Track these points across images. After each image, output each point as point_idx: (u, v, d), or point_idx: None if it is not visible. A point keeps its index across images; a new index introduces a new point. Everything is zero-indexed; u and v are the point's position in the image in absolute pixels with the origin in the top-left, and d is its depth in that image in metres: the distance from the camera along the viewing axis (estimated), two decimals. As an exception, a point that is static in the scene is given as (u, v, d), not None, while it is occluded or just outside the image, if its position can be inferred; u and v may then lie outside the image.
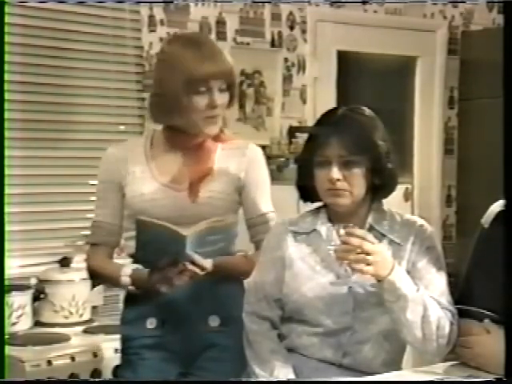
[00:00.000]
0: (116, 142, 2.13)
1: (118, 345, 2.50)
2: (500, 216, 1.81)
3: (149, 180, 1.96)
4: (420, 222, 1.86)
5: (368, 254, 1.64)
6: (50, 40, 3.07)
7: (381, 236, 1.79)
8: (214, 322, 1.92)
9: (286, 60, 3.68)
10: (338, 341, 1.76)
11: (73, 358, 2.45)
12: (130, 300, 2.01)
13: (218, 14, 3.46)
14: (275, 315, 1.84)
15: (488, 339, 1.69)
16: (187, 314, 1.91)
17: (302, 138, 3.38)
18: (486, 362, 1.67)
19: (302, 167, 1.87)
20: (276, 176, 3.36)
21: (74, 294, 2.79)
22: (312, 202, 1.88)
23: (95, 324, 2.81)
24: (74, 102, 3.14)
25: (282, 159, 3.36)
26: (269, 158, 3.45)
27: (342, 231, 1.66)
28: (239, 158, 2.00)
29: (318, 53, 3.77)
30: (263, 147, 3.50)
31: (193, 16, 3.39)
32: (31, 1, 2.99)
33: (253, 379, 1.75)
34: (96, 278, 2.12)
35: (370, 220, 1.82)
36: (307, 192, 1.86)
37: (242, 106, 3.53)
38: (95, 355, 2.49)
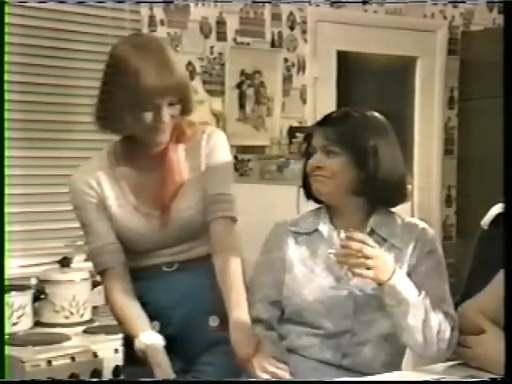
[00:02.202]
0: (108, 141, 2.01)
1: (118, 345, 2.50)
2: (499, 218, 1.81)
3: (129, 210, 1.85)
4: (422, 225, 1.85)
5: (368, 258, 1.63)
6: (50, 40, 3.07)
7: (382, 240, 1.78)
8: (214, 322, 1.92)
9: (286, 60, 3.67)
10: (338, 342, 1.75)
11: (73, 358, 2.45)
12: None
13: (218, 14, 3.45)
14: (271, 317, 1.83)
15: (488, 339, 1.69)
16: (188, 315, 1.90)
17: (302, 138, 3.39)
18: (486, 362, 1.67)
19: (304, 166, 1.88)
20: (276, 176, 3.37)
21: (75, 294, 2.79)
22: (315, 200, 1.88)
23: (96, 324, 2.81)
24: (74, 103, 3.13)
25: (282, 159, 3.36)
26: (269, 158, 3.51)
27: (342, 235, 1.65)
28: (198, 151, 1.87)
29: (318, 53, 3.76)
30: (263, 147, 3.59)
31: (193, 16, 3.39)
32: (31, 1, 2.99)
33: (252, 379, 1.74)
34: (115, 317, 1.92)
35: (371, 223, 1.81)
36: (309, 189, 1.86)
37: (242, 106, 3.53)
38: (95, 355, 2.49)
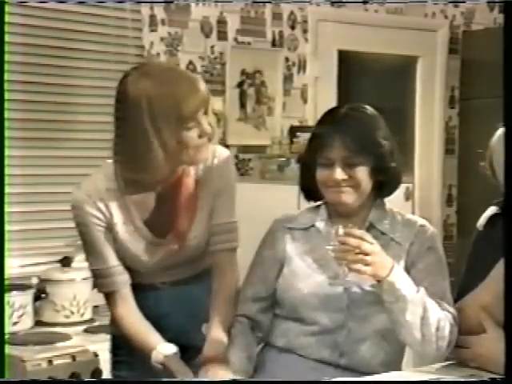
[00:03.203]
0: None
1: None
2: (494, 219, 1.82)
3: (136, 237, 1.82)
4: (421, 222, 1.84)
5: (366, 254, 1.63)
6: (50, 39, 3.07)
7: (381, 235, 1.78)
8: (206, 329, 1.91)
9: (286, 59, 3.67)
10: (335, 340, 1.75)
11: (74, 358, 2.45)
12: None
13: (218, 13, 3.46)
14: (255, 311, 1.83)
15: (488, 338, 1.69)
16: (182, 324, 1.90)
17: (302, 137, 3.37)
18: (485, 362, 1.67)
19: (304, 167, 1.86)
20: (277, 176, 3.37)
21: (75, 293, 2.79)
22: (315, 201, 1.88)
23: (96, 323, 2.81)
24: (74, 102, 3.14)
25: (283, 159, 3.36)
26: (270, 157, 3.51)
27: (340, 231, 1.64)
28: (209, 175, 1.84)
29: (318, 52, 3.76)
30: (264, 147, 3.59)
31: (194, 16, 3.39)
32: (32, 1, 2.99)
33: (252, 379, 1.74)
34: (126, 338, 1.89)
35: (370, 218, 1.81)
36: (310, 191, 1.85)
37: (242, 106, 3.53)
38: (96, 355, 2.49)
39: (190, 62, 3.38)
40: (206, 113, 1.77)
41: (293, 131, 3.46)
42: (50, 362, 2.39)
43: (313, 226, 1.83)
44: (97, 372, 2.47)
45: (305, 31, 3.72)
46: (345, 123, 1.77)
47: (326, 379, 1.66)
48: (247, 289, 1.87)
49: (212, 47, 3.44)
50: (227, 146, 3.46)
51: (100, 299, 2.95)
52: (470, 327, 1.71)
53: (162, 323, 1.86)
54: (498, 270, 1.69)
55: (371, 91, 3.93)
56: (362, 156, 1.75)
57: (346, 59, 3.89)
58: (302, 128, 3.48)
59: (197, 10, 3.39)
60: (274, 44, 3.63)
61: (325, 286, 1.75)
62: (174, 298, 1.90)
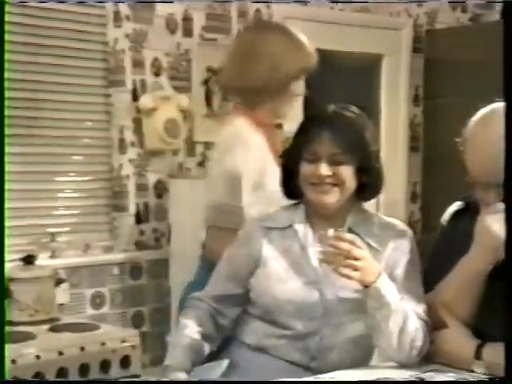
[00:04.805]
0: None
1: (83, 343, 2.47)
2: (457, 215, 1.82)
3: None
4: (400, 226, 1.84)
5: (356, 259, 1.62)
6: (16, 35, 3.02)
7: (359, 239, 1.75)
8: None
9: (252, 57, 3.67)
10: (306, 345, 1.74)
11: (38, 357, 2.42)
12: None
13: (184, 10, 3.43)
14: (220, 308, 1.82)
15: (449, 334, 1.69)
16: None
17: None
18: (449, 357, 1.68)
19: (287, 163, 1.83)
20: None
21: (40, 291, 2.75)
22: (295, 199, 1.85)
23: (61, 322, 2.78)
24: (40, 98, 3.10)
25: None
26: None
27: (330, 233, 1.62)
28: None
29: (284, 50, 3.76)
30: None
31: (159, 12, 3.36)
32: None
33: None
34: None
35: (348, 221, 1.79)
36: (291, 189, 1.83)
37: (209, 103, 3.50)
38: (61, 353, 2.46)
39: (156, 59, 3.35)
40: None
41: (259, 128, 3.47)
42: (13, 361, 2.36)
43: (290, 226, 1.80)
44: (62, 371, 2.44)
45: (271, 28, 3.71)
46: (334, 120, 1.76)
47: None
48: (215, 284, 1.85)
49: (178, 44, 3.41)
50: (194, 143, 3.49)
51: (65, 297, 2.95)
52: (433, 323, 1.71)
53: None
54: (460, 265, 1.70)
55: (337, 89, 3.94)
56: (348, 154, 1.73)
57: (312, 57, 3.88)
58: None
59: (162, 7, 3.36)
60: (240, 42, 3.62)
61: (301, 293, 1.74)
62: None
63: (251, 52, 2.18)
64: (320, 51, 3.92)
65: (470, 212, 1.73)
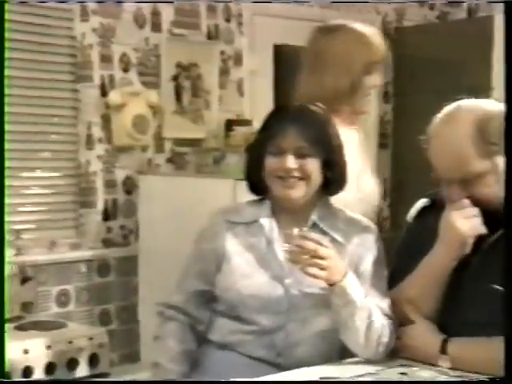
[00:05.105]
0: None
1: (49, 342, 2.44)
2: (423, 212, 1.82)
3: None
4: (365, 222, 1.83)
5: (322, 258, 1.61)
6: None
7: (323, 234, 1.75)
8: None
9: (222, 53, 3.64)
10: (272, 341, 1.73)
11: (3, 356, 2.38)
12: None
13: (152, 4, 3.40)
14: (190, 306, 1.81)
15: (415, 330, 1.70)
16: None
17: (238, 130, 3.38)
18: (414, 352, 1.68)
19: (252, 158, 1.82)
20: (213, 169, 3.36)
21: (5, 289, 2.70)
22: (259, 195, 1.84)
23: (26, 320, 2.74)
24: (6, 93, 3.04)
25: (219, 152, 3.35)
26: (206, 151, 3.49)
27: (295, 233, 1.61)
28: None
29: (254, 46, 3.75)
30: (200, 140, 3.56)
31: (127, 6, 3.33)
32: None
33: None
34: None
35: (314, 216, 1.77)
36: (256, 184, 1.82)
37: (178, 99, 3.49)
38: (26, 352, 2.43)
39: (124, 54, 3.32)
40: None
41: (229, 125, 3.44)
42: (-23, 360, 2.32)
43: (256, 221, 1.79)
44: (28, 370, 2.41)
45: (240, 24, 3.70)
46: (299, 114, 1.76)
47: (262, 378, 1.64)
48: (186, 283, 1.83)
49: (146, 39, 3.39)
50: (163, 139, 3.46)
51: (30, 296, 2.91)
52: (399, 319, 1.71)
53: None
54: (425, 262, 1.71)
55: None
56: (314, 147, 1.73)
57: (282, 53, 3.88)
58: (238, 121, 3.47)
59: (129, 1, 3.33)
60: (209, 37, 3.60)
61: (266, 288, 1.72)
62: None
63: (320, 59, 2.20)
64: (290, 47, 3.96)
65: (436, 209, 1.73)
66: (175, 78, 3.48)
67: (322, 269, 1.61)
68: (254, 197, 1.85)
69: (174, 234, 3.09)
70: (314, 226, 1.76)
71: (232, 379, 1.59)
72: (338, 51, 2.16)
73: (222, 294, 1.77)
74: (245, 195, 1.87)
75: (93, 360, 2.56)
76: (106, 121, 3.26)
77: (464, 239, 1.64)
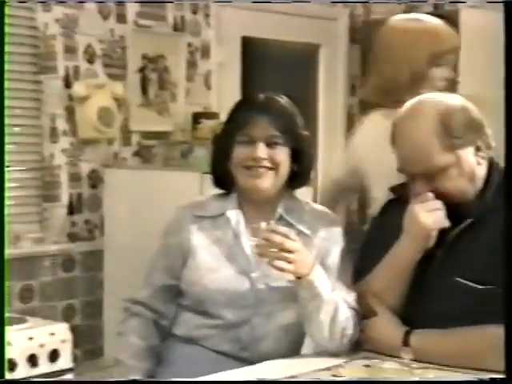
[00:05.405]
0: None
1: (8, 338, 2.39)
2: (388, 205, 1.83)
3: None
4: (330, 214, 1.84)
5: (289, 252, 1.61)
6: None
7: (289, 226, 1.74)
8: None
9: (189, 45, 3.61)
10: (238, 335, 1.72)
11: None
12: None
13: (116, -5, 3.35)
14: (156, 302, 1.79)
15: (378, 322, 1.70)
16: None
17: (206, 124, 3.36)
18: (378, 345, 1.69)
19: (218, 150, 1.80)
20: (180, 163, 3.33)
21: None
22: (224, 188, 1.82)
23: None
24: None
25: (186, 146, 3.32)
26: (173, 144, 3.45)
27: (262, 226, 1.60)
28: None
29: (222, 38, 3.72)
30: (167, 133, 3.52)
31: (91, -4, 3.27)
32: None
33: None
34: None
35: (280, 209, 1.77)
36: (222, 177, 1.80)
37: (145, 91, 3.45)
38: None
39: (89, 45, 3.27)
40: None
41: (196, 118, 3.42)
42: None
43: (222, 214, 1.78)
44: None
45: (207, 16, 3.67)
46: (268, 104, 1.75)
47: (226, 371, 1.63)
48: (151, 278, 1.81)
49: (111, 30, 3.34)
50: (130, 132, 3.42)
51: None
52: (363, 312, 1.72)
53: None
54: (390, 255, 1.71)
55: (275, 78, 3.93)
56: (284, 137, 1.72)
57: (250, 46, 3.87)
58: (206, 114, 3.45)
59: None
60: (175, 28, 3.56)
61: (232, 282, 1.72)
62: None
63: (383, 50, 2.21)
64: (259, 40, 3.94)
65: (401, 202, 1.74)
66: (141, 70, 3.44)
67: (290, 262, 1.61)
68: (219, 190, 1.84)
69: (140, 228, 3.07)
70: (281, 219, 1.76)
71: (197, 373, 1.57)
72: (399, 41, 2.15)
73: (188, 288, 1.76)
74: (212, 189, 1.85)
75: (53, 356, 2.52)
76: (71, 113, 3.21)
77: (428, 232, 1.65)
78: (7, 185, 2.99)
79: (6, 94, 3.16)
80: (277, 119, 1.72)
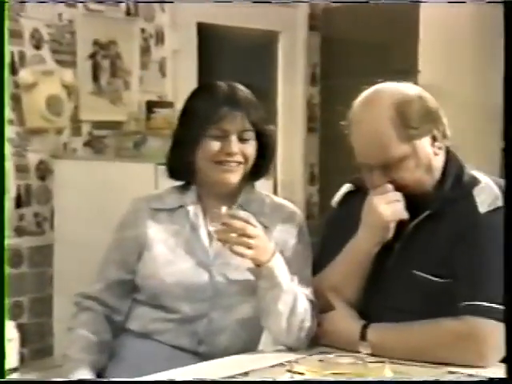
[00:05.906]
0: None
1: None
2: (347, 197, 1.83)
3: None
4: (290, 207, 1.82)
5: (250, 237, 1.60)
6: None
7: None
8: None
9: (143, 31, 3.51)
10: (195, 329, 1.70)
11: None
12: None
13: (65, -24, 3.23)
14: (109, 296, 1.75)
15: (335, 316, 1.68)
16: None
17: (160, 113, 3.30)
18: (334, 339, 1.67)
19: (182, 142, 1.75)
20: (133, 153, 3.25)
21: None
22: (183, 180, 1.79)
23: None
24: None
25: (140, 136, 3.25)
26: (126, 134, 3.36)
27: (223, 211, 1.60)
28: None
29: (177, 24, 3.63)
30: (120, 123, 3.42)
31: (37, -22, 3.15)
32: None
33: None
34: None
35: (240, 200, 1.76)
36: (179, 169, 1.76)
37: (96, 79, 3.36)
38: None
39: (36, 30, 3.15)
40: None
41: (150, 107, 3.35)
42: None
43: (180, 207, 1.76)
44: None
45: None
46: (237, 96, 1.72)
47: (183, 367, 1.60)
48: (105, 272, 1.78)
49: (60, 14, 3.22)
50: (80, 121, 3.31)
51: None
52: (321, 306, 1.70)
53: None
54: (348, 247, 1.70)
55: (232, 66, 3.85)
56: (254, 131, 1.73)
57: (206, 32, 3.78)
58: (160, 103, 3.39)
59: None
60: (128, 13, 3.46)
61: (190, 275, 1.70)
62: None
63: None
64: (215, 27, 3.85)
65: (360, 194, 1.73)
66: (92, 57, 3.35)
67: (250, 248, 1.60)
68: (175, 182, 1.80)
69: (92, 221, 3.02)
70: (240, 210, 1.73)
71: (150, 368, 1.56)
72: None
73: (144, 282, 1.73)
74: (166, 180, 1.81)
75: (-2, 356, 2.41)
76: (17, 101, 3.11)
77: (386, 224, 1.64)
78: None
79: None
80: (249, 113, 1.72)
